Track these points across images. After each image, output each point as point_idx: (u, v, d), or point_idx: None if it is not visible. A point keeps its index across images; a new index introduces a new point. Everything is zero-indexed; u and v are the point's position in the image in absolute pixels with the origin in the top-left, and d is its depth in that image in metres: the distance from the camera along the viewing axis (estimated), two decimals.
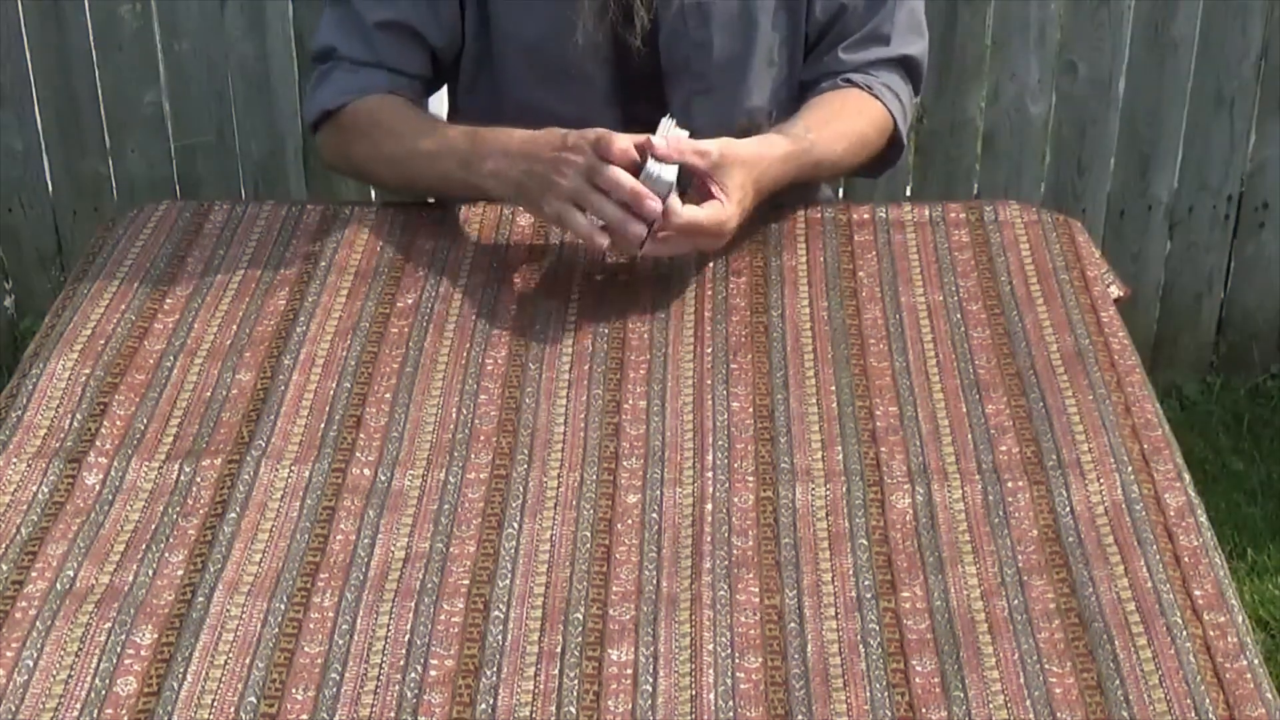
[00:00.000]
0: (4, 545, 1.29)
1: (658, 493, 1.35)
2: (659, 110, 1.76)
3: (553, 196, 1.57)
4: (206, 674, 1.18)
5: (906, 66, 1.85)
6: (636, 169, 1.54)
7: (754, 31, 1.79)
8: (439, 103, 1.97)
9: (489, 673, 1.18)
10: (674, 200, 1.53)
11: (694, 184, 1.58)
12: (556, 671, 1.18)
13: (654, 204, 1.52)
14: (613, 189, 1.53)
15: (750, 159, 1.60)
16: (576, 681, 1.18)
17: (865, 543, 1.30)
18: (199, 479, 1.36)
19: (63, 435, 1.41)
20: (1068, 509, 1.32)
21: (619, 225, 1.54)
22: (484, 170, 1.64)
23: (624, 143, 1.54)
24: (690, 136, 1.58)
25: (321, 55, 1.82)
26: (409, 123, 1.75)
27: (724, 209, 1.56)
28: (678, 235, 1.56)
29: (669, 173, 1.54)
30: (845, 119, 1.77)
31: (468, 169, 1.66)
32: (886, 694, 1.16)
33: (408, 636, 1.21)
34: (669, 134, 1.56)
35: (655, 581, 1.26)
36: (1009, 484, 1.35)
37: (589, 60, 1.77)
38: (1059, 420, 1.42)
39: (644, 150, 1.55)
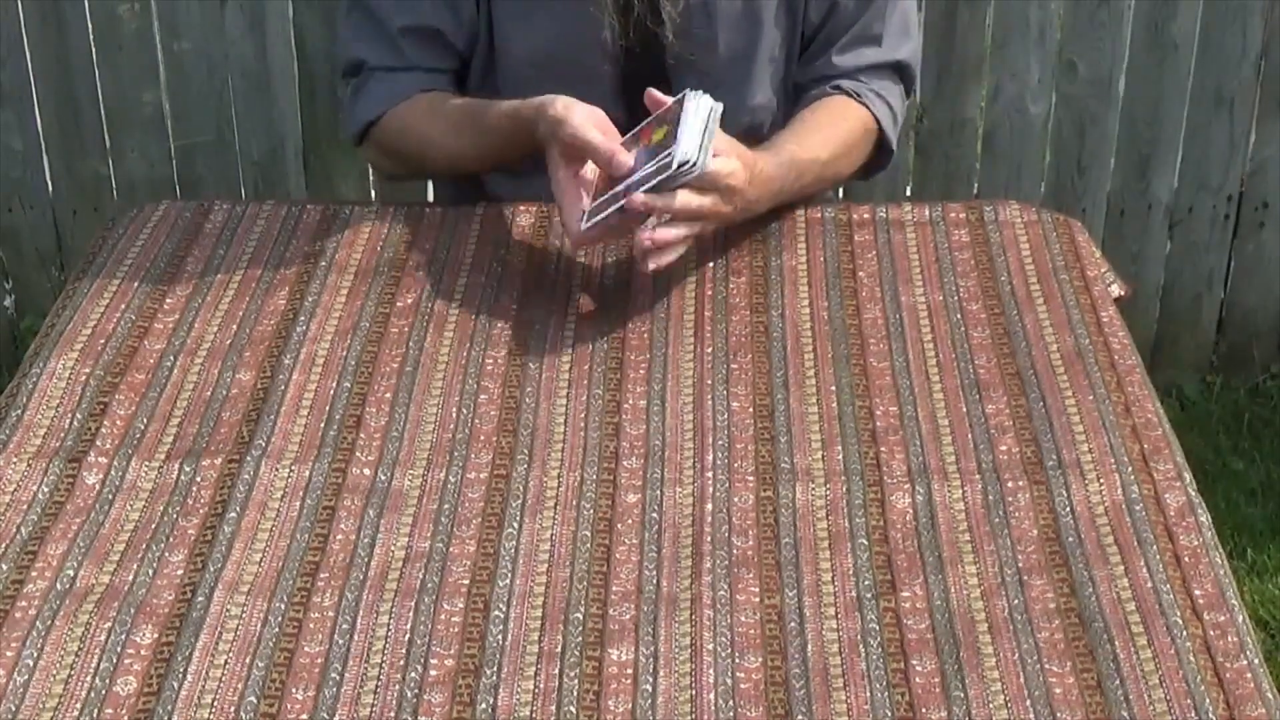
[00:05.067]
0: (4, 545, 1.29)
1: (658, 492, 1.35)
2: None
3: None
4: (206, 674, 1.18)
5: (898, 70, 1.85)
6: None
7: (758, 29, 1.79)
8: None
9: (489, 672, 1.18)
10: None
11: None
12: (556, 671, 1.18)
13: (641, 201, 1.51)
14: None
15: (747, 156, 1.60)
16: (576, 681, 1.18)
17: (865, 542, 1.30)
18: (199, 479, 1.36)
19: (63, 435, 1.41)
20: (1068, 509, 1.32)
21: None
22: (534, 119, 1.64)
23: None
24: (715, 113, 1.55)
25: (353, 69, 1.83)
26: (457, 100, 1.77)
27: (734, 163, 1.54)
28: (689, 209, 1.53)
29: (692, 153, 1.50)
30: (830, 128, 1.77)
31: (520, 121, 1.66)
32: (886, 694, 1.16)
33: (408, 636, 1.21)
34: (697, 108, 1.53)
35: (655, 581, 1.26)
36: (1009, 484, 1.35)
37: (595, 59, 1.77)
38: (1059, 420, 1.42)
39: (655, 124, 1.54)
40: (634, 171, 1.52)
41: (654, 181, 1.50)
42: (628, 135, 1.59)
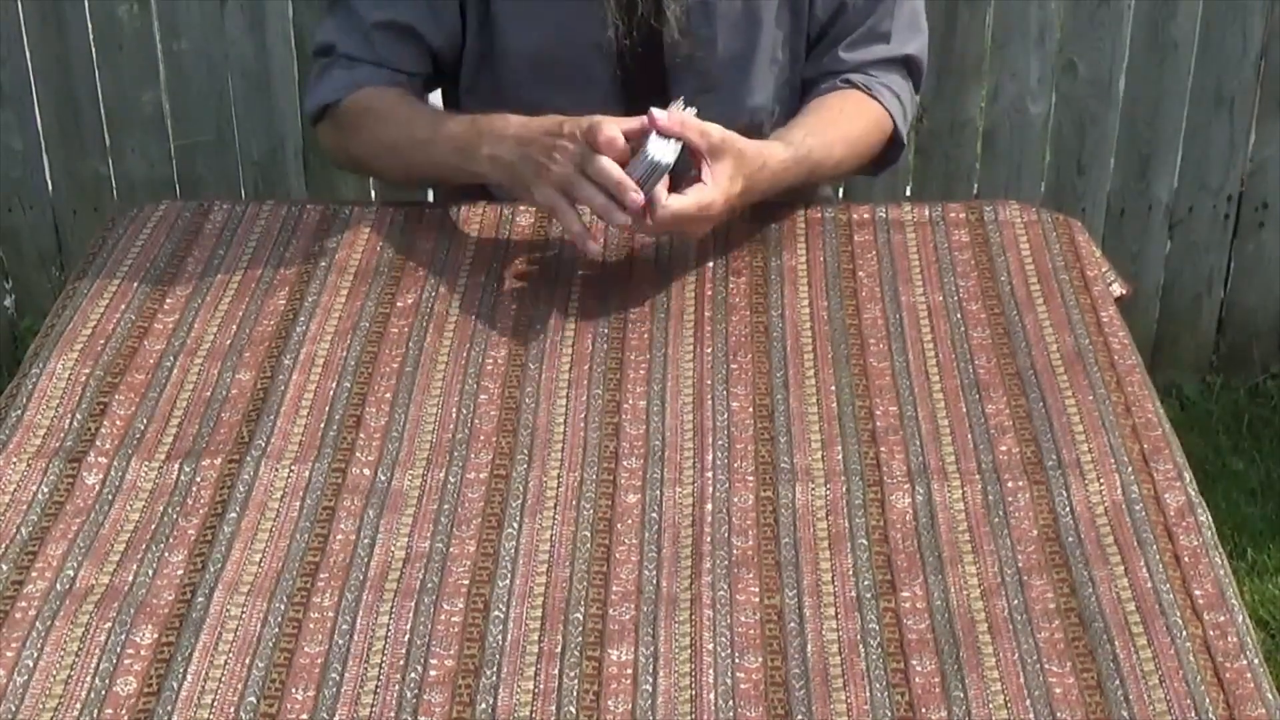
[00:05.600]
0: (4, 545, 1.29)
1: (658, 492, 1.35)
2: (663, 109, 1.77)
3: (543, 183, 1.58)
4: (206, 674, 1.18)
5: (907, 65, 1.85)
6: (627, 156, 1.54)
7: (758, 30, 1.79)
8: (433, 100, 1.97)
9: (489, 673, 1.18)
10: (660, 191, 1.53)
11: (690, 169, 1.58)
12: (556, 671, 1.18)
13: (636, 197, 1.52)
14: (600, 178, 1.53)
15: (749, 154, 1.60)
16: (576, 681, 1.18)
17: (865, 543, 1.30)
18: (199, 479, 1.36)
19: (63, 435, 1.41)
20: (1068, 509, 1.32)
21: (604, 215, 1.54)
22: (481, 156, 1.65)
23: (612, 130, 1.54)
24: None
25: (321, 50, 1.84)
26: (406, 112, 1.76)
27: (707, 192, 1.56)
28: (663, 224, 1.56)
29: (668, 154, 1.53)
30: (844, 123, 1.78)
31: (464, 156, 1.67)
32: (886, 694, 1.16)
33: (408, 636, 1.21)
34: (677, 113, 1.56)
35: (655, 581, 1.26)
36: (1009, 484, 1.35)
37: (594, 60, 1.77)
38: (1059, 420, 1.42)
39: (645, 131, 1.55)
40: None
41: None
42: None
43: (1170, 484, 1.34)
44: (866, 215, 1.71)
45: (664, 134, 1.54)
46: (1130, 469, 1.35)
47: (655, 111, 1.55)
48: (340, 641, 1.21)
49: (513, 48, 1.79)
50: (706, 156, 1.57)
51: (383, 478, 1.37)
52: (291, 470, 1.37)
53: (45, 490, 1.35)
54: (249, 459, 1.38)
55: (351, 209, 1.73)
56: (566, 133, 1.57)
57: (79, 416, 1.43)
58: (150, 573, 1.27)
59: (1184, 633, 1.19)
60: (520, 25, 1.78)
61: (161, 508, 1.33)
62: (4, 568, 1.27)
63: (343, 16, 1.81)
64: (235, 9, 2.53)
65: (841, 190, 2.70)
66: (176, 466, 1.38)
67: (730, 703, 1.16)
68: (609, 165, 1.53)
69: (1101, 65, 2.62)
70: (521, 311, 1.57)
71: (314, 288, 1.60)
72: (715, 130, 1.57)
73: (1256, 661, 1.17)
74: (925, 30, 1.88)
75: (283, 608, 1.24)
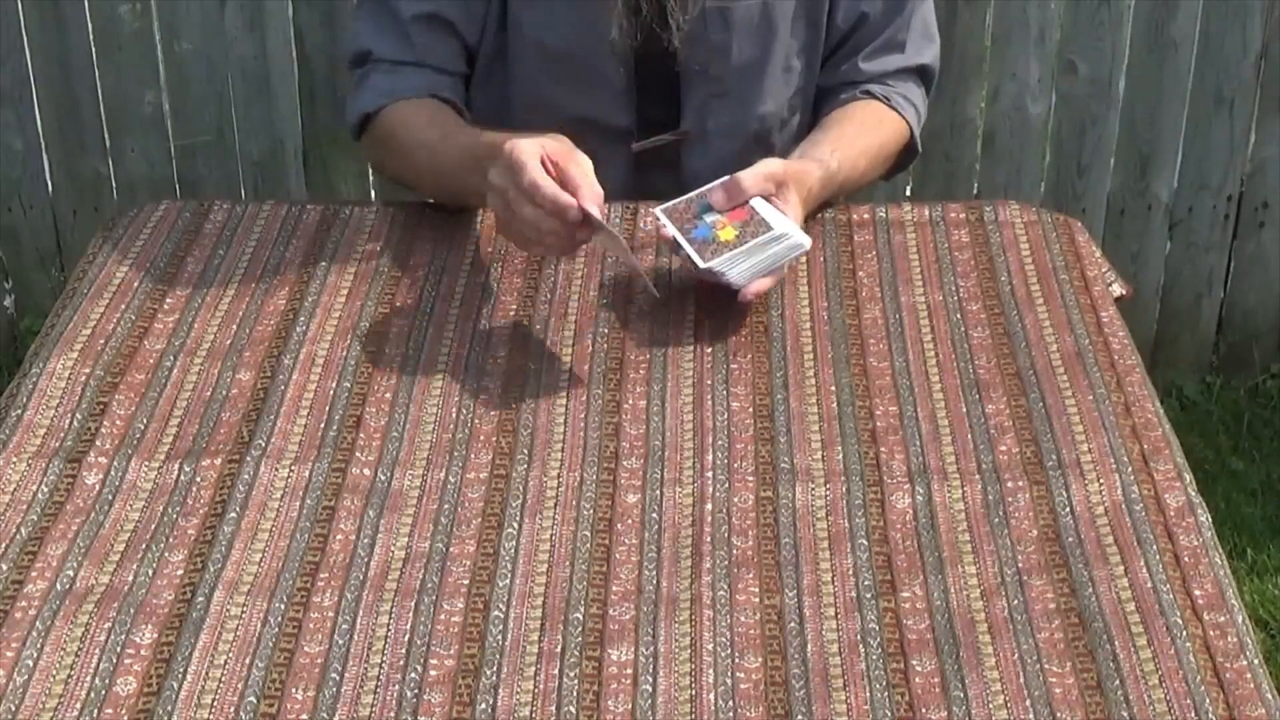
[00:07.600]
0: (4, 545, 1.29)
1: (658, 493, 1.35)
2: (673, 112, 1.77)
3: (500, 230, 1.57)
4: (206, 674, 1.18)
5: (921, 74, 1.87)
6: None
7: (773, 37, 1.79)
8: None
9: (489, 672, 1.18)
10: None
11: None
12: (556, 671, 1.18)
13: (571, 202, 1.46)
14: (533, 197, 1.48)
15: (800, 176, 1.62)
16: (576, 681, 1.18)
17: (865, 543, 1.30)
18: (199, 479, 1.36)
19: (63, 435, 1.41)
20: (1068, 509, 1.32)
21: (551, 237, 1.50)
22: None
23: (534, 172, 1.48)
24: (705, 141, 1.58)
25: (358, 59, 1.80)
26: (439, 134, 1.71)
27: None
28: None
29: (798, 230, 1.54)
30: (867, 136, 1.79)
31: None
32: (886, 694, 1.17)
33: (408, 636, 1.21)
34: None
35: (655, 581, 1.26)
36: (1009, 484, 1.35)
37: (607, 62, 1.76)
38: (1059, 420, 1.42)
39: (744, 206, 1.56)
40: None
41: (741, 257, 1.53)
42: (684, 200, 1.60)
43: (1170, 484, 1.34)
44: (866, 215, 1.71)
45: (735, 195, 1.56)
46: (1130, 469, 1.35)
47: (742, 177, 1.56)
48: (340, 641, 1.21)
49: (528, 45, 1.78)
50: (775, 192, 1.58)
51: (383, 478, 1.37)
52: (291, 470, 1.37)
53: (45, 490, 1.35)
54: (249, 459, 1.38)
55: (351, 209, 1.74)
56: (493, 180, 1.52)
57: (79, 416, 1.43)
58: (150, 573, 1.27)
59: (1184, 633, 1.19)
60: (534, 20, 1.77)
61: (161, 508, 1.33)
62: (4, 568, 1.27)
63: (375, 16, 1.78)
64: (235, 9, 2.53)
65: None
66: (176, 466, 1.38)
67: (730, 703, 1.16)
68: (540, 182, 1.47)
69: (1101, 65, 2.62)
70: (521, 311, 1.57)
71: (314, 288, 1.60)
72: (775, 165, 1.60)
73: (1256, 662, 1.17)
74: (937, 39, 1.88)
75: (283, 607, 1.24)
